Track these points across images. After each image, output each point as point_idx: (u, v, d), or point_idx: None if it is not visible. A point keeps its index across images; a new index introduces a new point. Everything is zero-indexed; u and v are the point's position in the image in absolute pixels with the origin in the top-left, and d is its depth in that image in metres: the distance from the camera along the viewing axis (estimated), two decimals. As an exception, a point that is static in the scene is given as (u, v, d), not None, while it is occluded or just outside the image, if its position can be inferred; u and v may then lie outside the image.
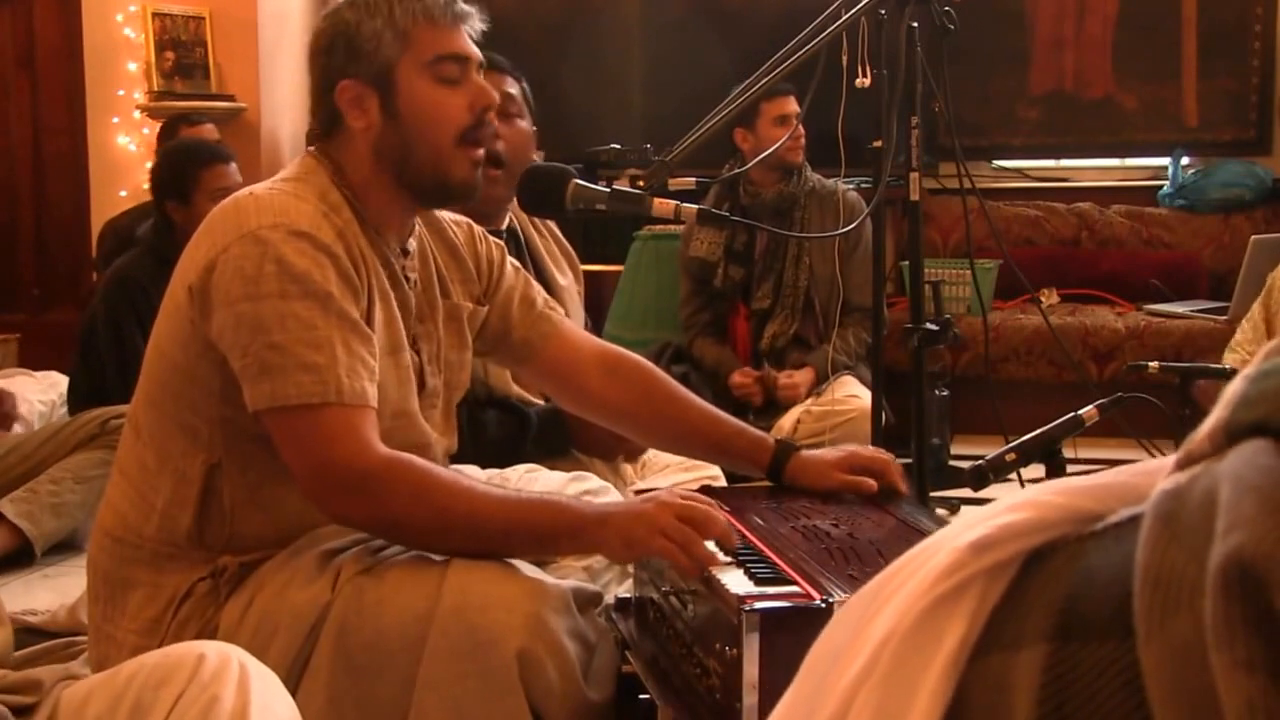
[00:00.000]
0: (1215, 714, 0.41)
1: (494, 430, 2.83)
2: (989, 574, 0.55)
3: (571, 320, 2.38)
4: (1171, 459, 0.49)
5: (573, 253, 3.22)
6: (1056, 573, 0.53)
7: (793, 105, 4.42)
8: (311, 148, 2.08)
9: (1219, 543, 0.42)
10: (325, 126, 2.07)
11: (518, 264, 2.35)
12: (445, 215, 2.25)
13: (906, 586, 0.57)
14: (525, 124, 2.97)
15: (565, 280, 3.08)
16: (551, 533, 1.89)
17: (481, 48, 2.09)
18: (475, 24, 2.06)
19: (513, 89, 2.95)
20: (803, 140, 4.44)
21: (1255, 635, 0.40)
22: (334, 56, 2.02)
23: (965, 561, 0.55)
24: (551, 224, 3.17)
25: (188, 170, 4.08)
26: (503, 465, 2.49)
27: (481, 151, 2.05)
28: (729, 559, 1.75)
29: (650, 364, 2.33)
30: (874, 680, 0.56)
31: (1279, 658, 0.40)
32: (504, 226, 2.96)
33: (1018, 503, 0.56)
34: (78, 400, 4.23)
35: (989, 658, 0.53)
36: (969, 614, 0.54)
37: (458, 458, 2.24)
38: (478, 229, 2.31)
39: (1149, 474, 0.52)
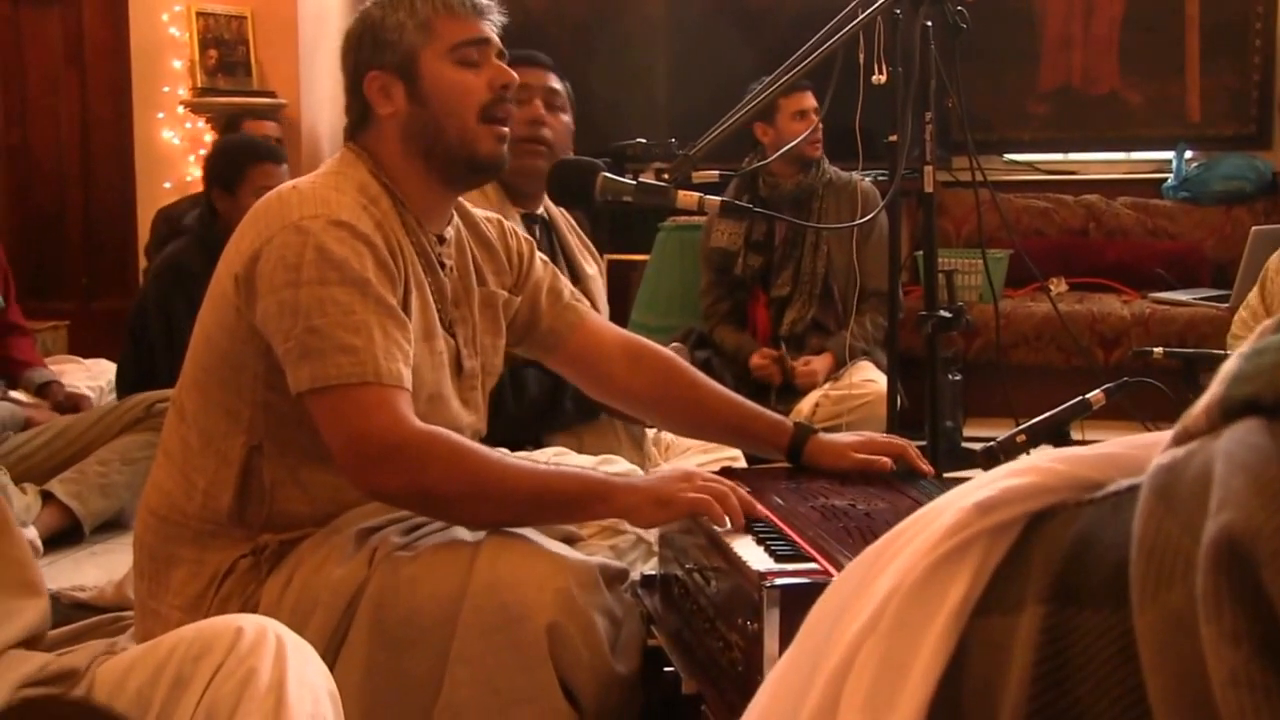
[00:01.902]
0: (1203, 683, 0.42)
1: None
2: (992, 534, 0.56)
3: (598, 310, 2.42)
4: (1169, 433, 0.49)
5: (593, 246, 3.27)
6: (1056, 536, 0.53)
7: (810, 100, 4.45)
8: (350, 143, 2.13)
9: (1211, 519, 0.43)
10: (358, 119, 2.13)
11: (545, 258, 2.39)
12: (478, 212, 2.30)
13: (913, 544, 0.58)
14: (568, 118, 3.04)
15: (592, 271, 3.11)
16: (581, 498, 1.91)
17: (521, 47, 2.14)
18: (495, 17, 2.12)
19: (557, 85, 3.04)
20: (820, 134, 4.45)
21: (1242, 609, 0.41)
22: (362, 50, 2.09)
23: (970, 521, 0.56)
24: (571, 219, 3.21)
25: (239, 162, 4.09)
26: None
27: (505, 129, 2.10)
28: (749, 534, 1.78)
29: (671, 353, 2.37)
30: (880, 632, 0.57)
31: (1264, 631, 0.41)
32: (539, 211, 3.02)
33: (1022, 468, 0.57)
34: (126, 383, 4.26)
35: (990, 616, 0.54)
36: (972, 571, 0.55)
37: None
38: (508, 224, 2.35)
39: (1148, 446, 0.53)
